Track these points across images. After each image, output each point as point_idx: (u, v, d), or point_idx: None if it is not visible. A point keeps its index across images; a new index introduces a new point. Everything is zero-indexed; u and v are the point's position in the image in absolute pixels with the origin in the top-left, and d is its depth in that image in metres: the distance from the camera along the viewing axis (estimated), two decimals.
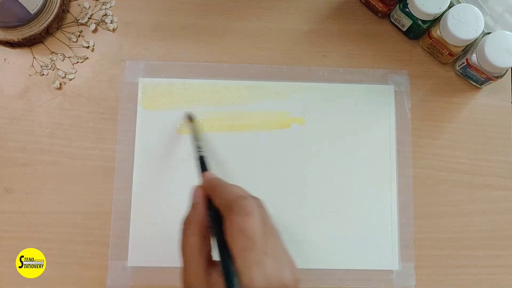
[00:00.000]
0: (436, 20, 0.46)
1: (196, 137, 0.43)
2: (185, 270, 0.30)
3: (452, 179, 0.48)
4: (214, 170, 0.46)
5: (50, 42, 0.49)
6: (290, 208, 0.46)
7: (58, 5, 0.48)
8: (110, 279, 0.44)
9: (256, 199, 0.31)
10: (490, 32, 0.45)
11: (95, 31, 0.49)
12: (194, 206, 0.33)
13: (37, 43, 0.49)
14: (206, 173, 0.36)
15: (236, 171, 0.47)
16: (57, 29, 0.49)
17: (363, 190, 0.47)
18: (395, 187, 0.47)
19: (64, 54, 0.49)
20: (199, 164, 0.38)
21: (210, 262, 0.30)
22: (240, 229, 0.28)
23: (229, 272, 0.27)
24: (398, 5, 0.47)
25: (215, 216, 0.31)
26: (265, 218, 0.30)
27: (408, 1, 0.46)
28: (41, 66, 0.48)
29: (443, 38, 0.45)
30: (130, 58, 0.49)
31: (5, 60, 0.49)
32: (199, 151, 0.40)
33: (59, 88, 0.48)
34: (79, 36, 0.49)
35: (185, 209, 0.46)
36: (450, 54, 0.47)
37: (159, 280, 0.45)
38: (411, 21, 0.47)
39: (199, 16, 0.50)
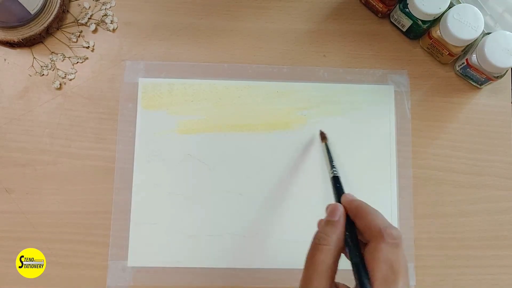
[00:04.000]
0: (436, 20, 0.46)
1: (330, 158, 0.43)
2: (308, 284, 0.29)
3: (452, 179, 0.48)
4: (215, 171, 0.47)
5: (50, 42, 0.49)
6: (290, 208, 0.46)
7: (58, 5, 0.48)
8: (110, 279, 0.44)
9: (399, 230, 0.30)
10: (490, 32, 0.45)
11: (95, 31, 0.49)
12: (332, 223, 0.32)
13: (37, 43, 0.49)
14: (348, 195, 0.35)
15: (236, 172, 0.47)
16: (57, 29, 0.49)
17: (363, 190, 0.47)
18: (395, 187, 0.47)
19: (64, 54, 0.49)
20: (335, 185, 0.38)
21: (331, 284, 0.30)
22: (388, 259, 0.28)
23: None
24: (398, 5, 0.47)
25: (353, 239, 0.31)
26: (404, 253, 0.30)
27: (408, 1, 0.46)
28: (41, 66, 0.48)
29: (443, 38, 0.45)
30: (130, 58, 0.49)
31: (5, 60, 0.49)
32: (334, 171, 0.40)
33: (59, 88, 0.48)
34: (79, 36, 0.49)
35: (184, 209, 0.46)
36: (450, 54, 0.47)
37: (159, 280, 0.45)
38: (411, 21, 0.47)
39: (199, 16, 0.50)
